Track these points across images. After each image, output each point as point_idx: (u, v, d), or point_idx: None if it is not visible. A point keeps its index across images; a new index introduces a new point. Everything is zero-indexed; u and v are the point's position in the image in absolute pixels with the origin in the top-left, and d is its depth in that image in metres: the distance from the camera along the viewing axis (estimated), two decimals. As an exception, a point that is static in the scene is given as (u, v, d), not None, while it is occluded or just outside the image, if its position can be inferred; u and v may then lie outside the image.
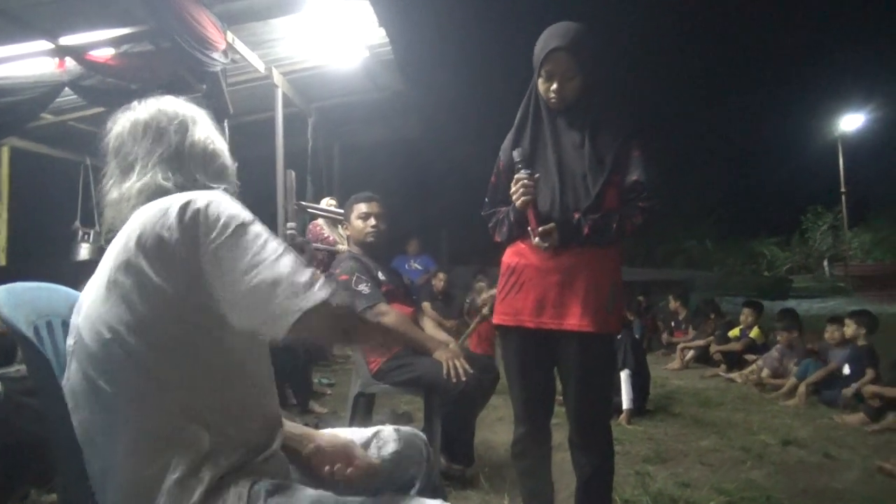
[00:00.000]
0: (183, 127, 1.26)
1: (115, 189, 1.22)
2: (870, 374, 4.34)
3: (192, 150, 1.25)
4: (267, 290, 1.04)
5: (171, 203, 1.08)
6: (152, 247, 1.05)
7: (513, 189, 1.86)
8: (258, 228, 1.10)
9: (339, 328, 1.19)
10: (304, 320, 1.04)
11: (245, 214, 1.10)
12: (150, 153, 1.22)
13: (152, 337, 1.06)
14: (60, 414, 1.05)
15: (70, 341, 1.13)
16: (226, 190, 1.25)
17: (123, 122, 1.27)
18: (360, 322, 1.24)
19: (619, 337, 4.31)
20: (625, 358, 4.20)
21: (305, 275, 1.07)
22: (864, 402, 4.10)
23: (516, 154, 1.88)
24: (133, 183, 1.19)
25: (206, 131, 1.31)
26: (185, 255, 1.05)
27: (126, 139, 1.25)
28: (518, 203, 1.85)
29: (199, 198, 1.09)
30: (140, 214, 1.10)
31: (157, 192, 1.17)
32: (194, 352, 1.09)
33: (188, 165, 1.25)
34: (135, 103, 1.30)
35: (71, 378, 1.10)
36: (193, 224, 1.05)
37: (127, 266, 1.06)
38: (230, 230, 1.06)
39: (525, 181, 1.83)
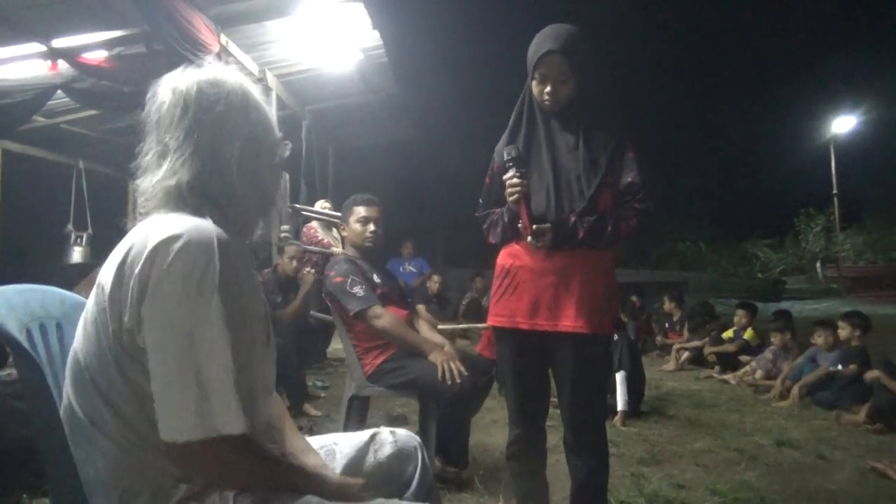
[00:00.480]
0: (222, 118, 1.13)
1: (149, 175, 1.12)
2: (852, 368, 4.41)
3: (229, 148, 1.13)
4: (176, 388, 0.94)
5: (153, 239, 0.99)
6: (116, 285, 1.00)
7: (507, 187, 1.85)
8: (210, 306, 0.97)
9: (238, 470, 1.02)
10: (197, 447, 0.94)
11: (206, 281, 0.98)
12: (183, 145, 1.10)
13: (113, 373, 1.02)
14: (51, 418, 1.04)
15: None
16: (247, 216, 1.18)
17: (166, 90, 1.14)
18: (268, 468, 1.06)
19: (615, 338, 4.32)
20: (621, 359, 4.21)
21: (226, 394, 0.96)
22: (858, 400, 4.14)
23: (507, 152, 1.86)
24: (161, 179, 1.09)
25: (252, 123, 1.16)
26: (136, 300, 0.98)
27: (164, 116, 1.12)
28: (510, 200, 1.84)
29: (178, 241, 0.98)
30: (134, 236, 1.03)
31: (177, 200, 1.08)
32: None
33: (219, 167, 1.12)
34: (180, 69, 1.16)
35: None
36: (149, 272, 0.97)
37: (99, 293, 1.02)
38: (177, 297, 0.96)
39: (514, 180, 1.82)
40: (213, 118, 1.12)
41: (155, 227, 1.02)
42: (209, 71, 1.16)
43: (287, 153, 1.28)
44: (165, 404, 0.95)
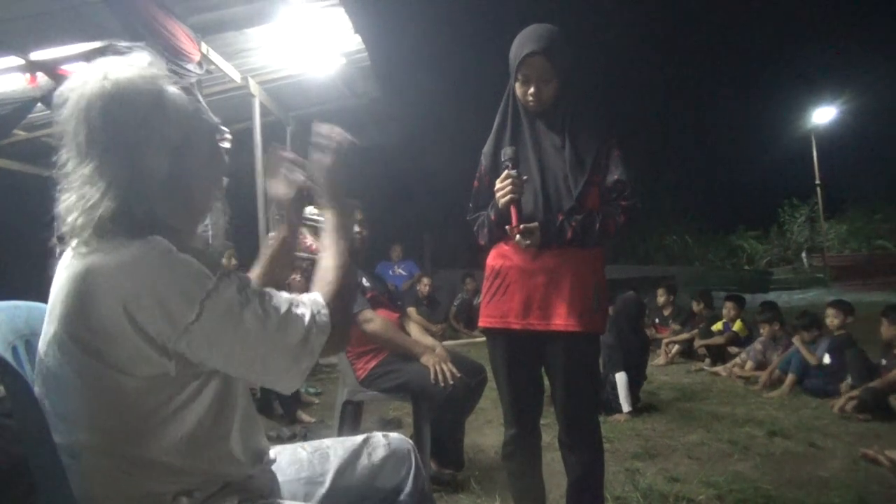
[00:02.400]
0: (135, 137, 0.99)
1: (70, 197, 1.01)
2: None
3: (151, 170, 1.01)
4: (264, 360, 1.01)
5: (122, 273, 0.94)
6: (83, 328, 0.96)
7: (498, 185, 1.81)
8: (229, 281, 0.98)
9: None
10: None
11: (204, 269, 0.97)
12: (96, 175, 0.98)
13: (93, 407, 1.00)
14: (41, 436, 1.02)
15: None
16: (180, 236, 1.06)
17: (69, 101, 1.00)
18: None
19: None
20: (627, 359, 4.23)
21: (295, 322, 1.02)
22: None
23: (504, 153, 1.84)
24: (83, 213, 0.98)
25: (174, 130, 1.03)
26: (152, 334, 0.95)
27: (70, 135, 1.00)
28: (503, 201, 1.81)
29: (149, 257, 0.95)
30: (80, 274, 0.97)
31: (106, 229, 0.98)
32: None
33: (144, 191, 1.01)
34: (84, 67, 1.02)
35: None
36: (150, 300, 0.94)
37: (62, 340, 0.99)
38: (197, 297, 0.95)
39: (514, 178, 1.79)
40: (125, 139, 0.99)
41: (109, 258, 0.96)
42: (114, 75, 1.00)
43: (227, 143, 1.20)
44: (268, 374, 1.02)
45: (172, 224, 1.05)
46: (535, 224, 1.81)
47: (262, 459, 1.19)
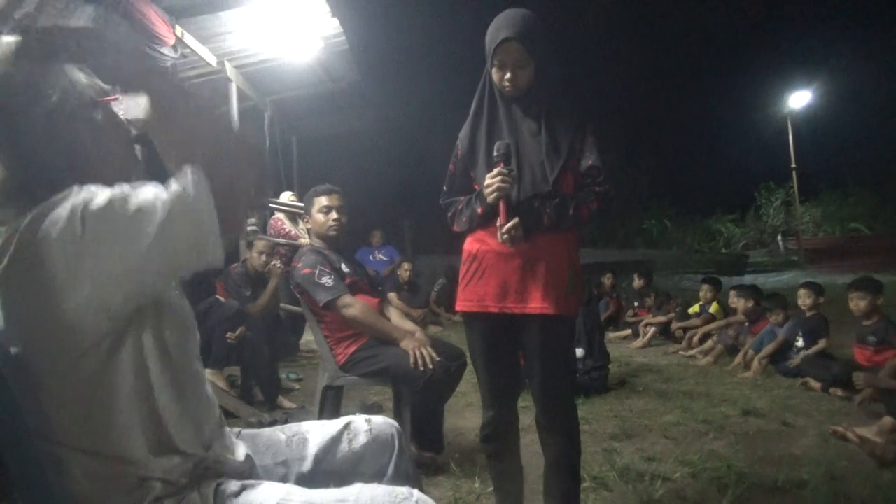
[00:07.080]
0: (10, 111, 1.00)
1: None
2: (822, 343, 4.52)
3: (36, 143, 1.02)
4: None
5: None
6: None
7: (489, 180, 1.82)
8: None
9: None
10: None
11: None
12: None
13: (64, 409, 0.99)
14: (12, 423, 1.00)
15: None
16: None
17: None
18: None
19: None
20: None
21: None
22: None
23: (498, 147, 1.82)
24: None
25: (51, 112, 1.02)
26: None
27: None
28: (492, 196, 1.81)
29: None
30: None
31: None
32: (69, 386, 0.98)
33: (42, 166, 1.03)
34: None
35: None
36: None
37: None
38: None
39: (505, 175, 1.79)
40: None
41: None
42: None
43: (118, 104, 1.12)
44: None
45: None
46: (517, 220, 1.81)
47: (215, 442, 1.16)
